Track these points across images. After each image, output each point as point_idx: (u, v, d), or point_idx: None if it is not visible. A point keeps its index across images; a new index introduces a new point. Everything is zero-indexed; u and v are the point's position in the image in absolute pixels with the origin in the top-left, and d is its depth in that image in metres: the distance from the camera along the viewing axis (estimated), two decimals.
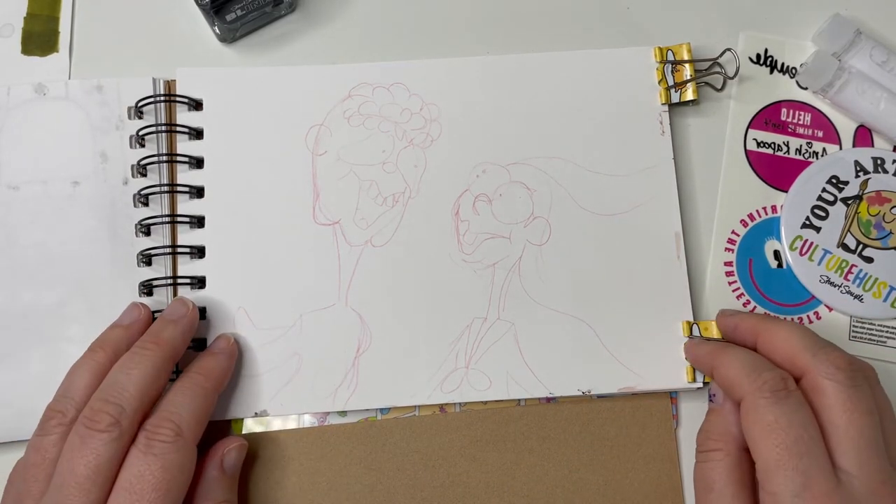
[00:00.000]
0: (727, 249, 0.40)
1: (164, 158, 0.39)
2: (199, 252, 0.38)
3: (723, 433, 0.33)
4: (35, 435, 0.32)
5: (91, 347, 0.34)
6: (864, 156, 0.41)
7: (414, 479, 0.37)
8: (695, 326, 0.38)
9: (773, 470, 0.29)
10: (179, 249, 0.38)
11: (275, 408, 0.37)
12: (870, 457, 0.29)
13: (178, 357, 0.34)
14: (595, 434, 0.38)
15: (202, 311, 0.38)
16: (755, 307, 0.39)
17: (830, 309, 0.39)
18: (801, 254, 0.40)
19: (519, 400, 0.38)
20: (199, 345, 0.37)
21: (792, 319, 0.39)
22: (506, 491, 0.37)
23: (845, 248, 0.40)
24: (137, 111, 0.40)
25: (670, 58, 0.41)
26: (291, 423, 0.38)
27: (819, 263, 0.39)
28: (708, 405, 0.35)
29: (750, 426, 0.31)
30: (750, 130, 0.41)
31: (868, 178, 0.40)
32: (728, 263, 0.40)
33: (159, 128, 0.39)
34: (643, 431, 0.38)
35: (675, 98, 0.41)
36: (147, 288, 0.38)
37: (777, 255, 0.40)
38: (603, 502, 0.37)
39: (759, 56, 0.42)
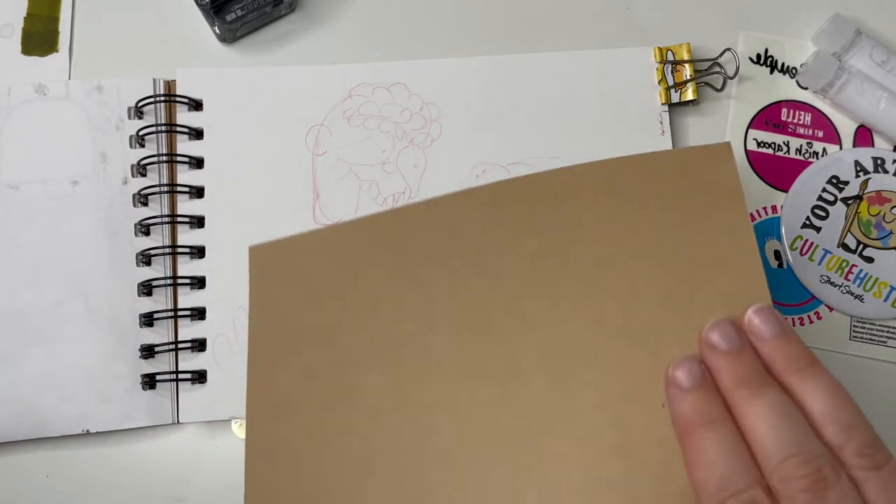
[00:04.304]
0: None
1: (164, 158, 0.39)
2: (199, 252, 0.38)
3: None
4: None
5: None
6: (865, 156, 0.41)
7: (442, 258, 0.32)
8: None
9: None
10: (179, 249, 0.38)
11: None
12: None
13: None
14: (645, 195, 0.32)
15: (202, 312, 0.38)
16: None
17: (831, 309, 0.39)
18: (801, 254, 0.40)
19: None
20: (200, 345, 0.37)
21: (793, 319, 0.39)
22: (507, 270, 0.32)
23: (846, 248, 0.40)
24: (137, 111, 0.40)
25: (670, 58, 0.41)
26: None
27: (819, 263, 0.39)
28: None
29: None
30: (750, 130, 0.41)
31: (868, 178, 0.40)
32: None
33: (159, 128, 0.39)
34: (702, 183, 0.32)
35: (675, 98, 0.41)
36: (146, 288, 0.38)
37: (777, 254, 0.40)
38: (655, 272, 0.31)
39: (759, 56, 0.42)
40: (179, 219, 0.39)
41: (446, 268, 0.32)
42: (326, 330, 0.33)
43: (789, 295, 0.40)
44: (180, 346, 0.37)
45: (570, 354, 0.30)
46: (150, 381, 0.37)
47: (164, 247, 0.38)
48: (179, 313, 0.38)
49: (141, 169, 0.39)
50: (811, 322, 0.39)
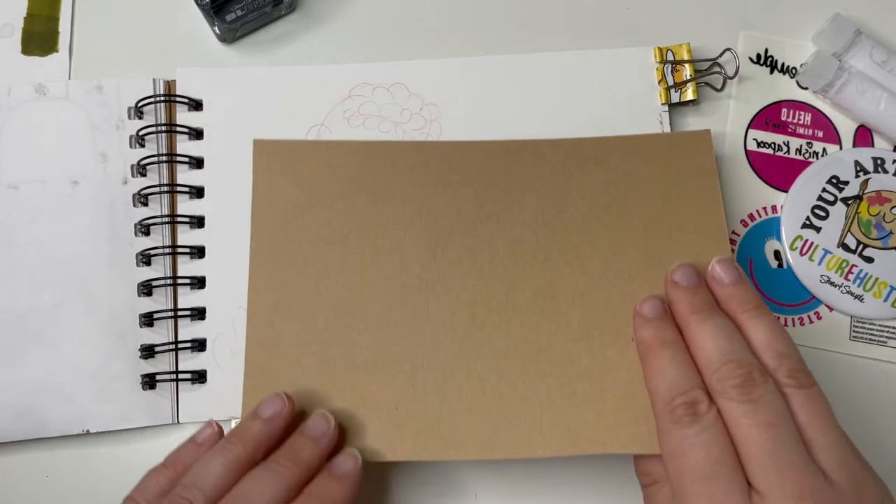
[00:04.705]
0: None
1: (164, 158, 0.39)
2: (198, 252, 0.38)
3: (656, 462, 0.32)
4: None
5: (229, 438, 0.32)
6: (864, 156, 0.40)
7: (453, 198, 0.37)
8: None
9: (679, 496, 0.29)
10: (179, 249, 0.38)
11: None
12: (777, 472, 0.27)
13: (310, 477, 0.31)
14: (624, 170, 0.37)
15: (202, 312, 0.38)
16: None
17: (831, 309, 0.39)
18: (801, 254, 0.40)
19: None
20: (199, 345, 0.37)
21: (778, 318, 0.39)
22: (511, 222, 0.37)
23: (845, 248, 0.40)
24: (137, 111, 0.40)
25: (670, 58, 0.41)
26: None
27: (819, 263, 0.39)
28: None
29: (662, 449, 0.30)
30: (750, 130, 0.41)
31: (868, 178, 0.40)
32: None
33: (159, 128, 0.39)
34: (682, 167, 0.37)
35: (675, 98, 0.41)
36: (146, 288, 0.38)
37: (777, 255, 0.40)
38: (636, 237, 0.36)
39: (759, 56, 0.42)
40: (179, 219, 0.39)
41: (456, 208, 0.37)
42: (336, 240, 0.37)
43: (789, 295, 0.40)
44: (180, 346, 0.37)
45: (559, 296, 0.36)
46: (149, 381, 0.37)
47: (164, 247, 0.38)
48: (179, 313, 0.38)
49: (141, 169, 0.39)
50: (811, 322, 0.39)
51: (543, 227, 0.37)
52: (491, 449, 0.33)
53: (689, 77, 0.41)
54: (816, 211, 0.40)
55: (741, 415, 0.28)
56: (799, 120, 0.42)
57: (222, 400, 0.37)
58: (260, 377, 0.35)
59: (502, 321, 0.35)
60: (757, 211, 0.40)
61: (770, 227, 0.40)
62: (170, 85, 0.41)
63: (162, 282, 0.38)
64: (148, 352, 0.37)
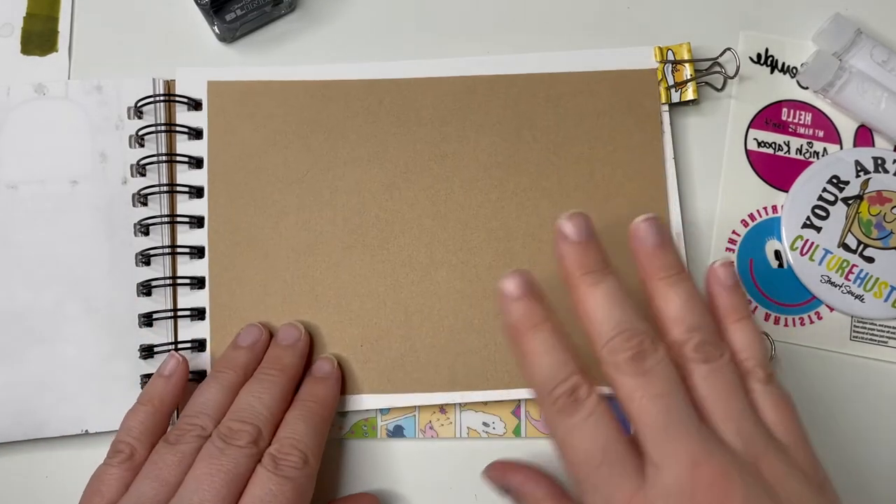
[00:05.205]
0: (728, 250, 0.40)
1: (164, 158, 0.39)
2: (198, 252, 0.38)
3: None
4: (167, 443, 0.32)
5: (218, 368, 0.35)
6: (865, 156, 0.40)
7: (408, 138, 0.39)
8: None
9: (576, 486, 0.28)
10: (179, 249, 0.38)
11: None
12: (669, 442, 0.27)
13: (297, 381, 0.35)
14: (572, 107, 0.39)
15: (202, 312, 0.38)
16: (756, 307, 0.39)
17: (831, 309, 0.39)
18: (801, 254, 0.40)
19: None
20: (199, 345, 0.37)
21: (778, 318, 0.39)
22: (465, 162, 0.38)
23: (846, 248, 0.39)
24: (137, 111, 0.40)
25: (670, 57, 0.41)
26: None
27: (820, 263, 0.39)
28: None
29: (552, 438, 0.29)
30: (750, 130, 0.41)
31: (869, 178, 0.40)
32: None
33: (159, 128, 0.39)
34: (628, 106, 0.39)
35: (675, 98, 0.40)
36: (146, 288, 0.38)
37: (778, 255, 0.40)
38: (582, 179, 0.38)
39: (759, 56, 0.42)
40: (179, 219, 0.38)
41: (411, 147, 0.38)
42: (293, 180, 0.38)
43: (789, 295, 0.40)
44: (180, 346, 0.37)
45: (510, 237, 0.38)
46: None
47: (163, 247, 0.38)
48: (179, 313, 0.38)
49: (140, 169, 0.39)
50: (811, 322, 0.39)
51: (496, 168, 0.38)
52: (451, 382, 0.36)
53: (689, 77, 0.41)
54: (817, 211, 0.40)
55: (633, 388, 0.28)
56: (799, 120, 0.41)
57: None
58: (225, 315, 0.36)
59: (458, 262, 0.37)
60: (757, 211, 0.40)
61: (770, 227, 0.40)
62: (169, 85, 0.41)
63: (161, 282, 0.38)
64: (147, 352, 0.37)
